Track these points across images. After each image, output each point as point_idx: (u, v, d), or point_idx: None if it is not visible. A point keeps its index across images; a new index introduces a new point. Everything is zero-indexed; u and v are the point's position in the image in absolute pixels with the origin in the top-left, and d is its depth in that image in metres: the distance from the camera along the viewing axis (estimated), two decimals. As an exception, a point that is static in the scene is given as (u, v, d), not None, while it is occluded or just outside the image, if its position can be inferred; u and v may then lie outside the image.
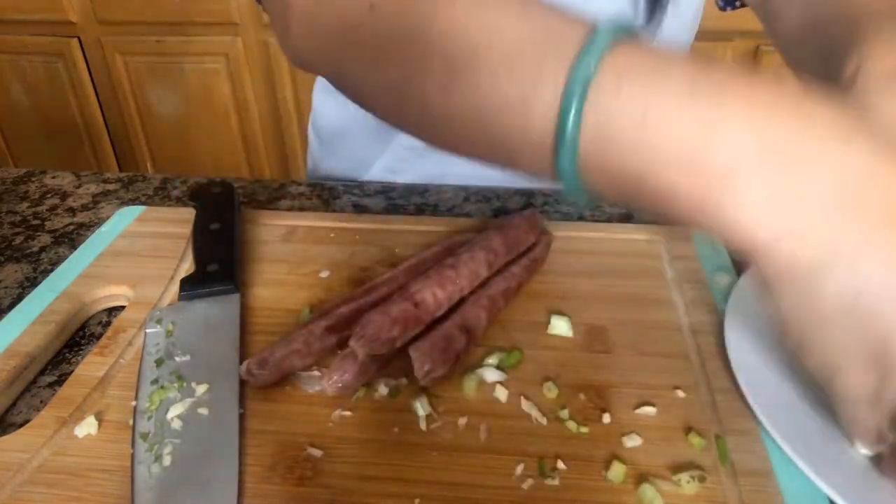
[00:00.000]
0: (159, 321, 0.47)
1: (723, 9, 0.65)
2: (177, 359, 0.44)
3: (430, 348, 0.42)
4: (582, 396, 0.42)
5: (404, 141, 0.70)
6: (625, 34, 0.27)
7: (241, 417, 0.41)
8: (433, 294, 0.45)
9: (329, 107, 0.78)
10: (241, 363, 0.44)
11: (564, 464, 0.38)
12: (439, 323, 0.45)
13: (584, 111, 0.26)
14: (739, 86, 0.26)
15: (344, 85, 0.36)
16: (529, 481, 0.37)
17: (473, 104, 0.28)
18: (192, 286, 0.50)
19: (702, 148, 0.25)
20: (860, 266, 0.25)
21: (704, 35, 0.72)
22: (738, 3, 0.63)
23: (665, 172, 0.26)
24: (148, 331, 0.47)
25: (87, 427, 0.40)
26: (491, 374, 0.43)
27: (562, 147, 0.27)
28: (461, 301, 0.47)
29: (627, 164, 0.26)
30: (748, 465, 0.38)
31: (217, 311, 0.48)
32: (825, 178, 0.24)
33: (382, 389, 0.43)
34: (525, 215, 0.54)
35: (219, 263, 0.51)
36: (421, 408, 0.41)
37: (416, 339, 0.43)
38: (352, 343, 0.41)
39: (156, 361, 0.44)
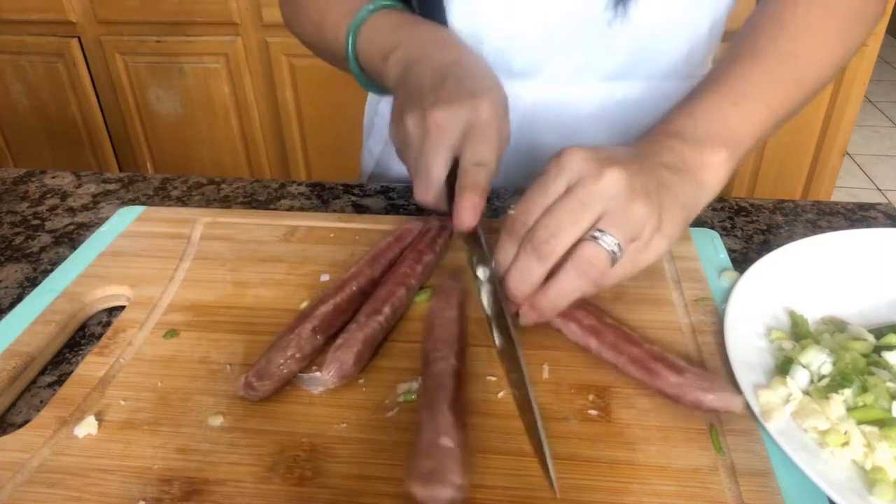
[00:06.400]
0: None
1: None
2: None
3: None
4: (582, 396, 0.42)
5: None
6: (383, 7, 0.58)
7: None
8: (391, 304, 0.47)
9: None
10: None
11: (564, 463, 0.38)
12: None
13: (356, 43, 0.58)
14: (410, 29, 0.56)
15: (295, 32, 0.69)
16: (529, 481, 0.37)
17: (323, 45, 0.64)
18: None
19: (382, 65, 0.55)
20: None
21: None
22: None
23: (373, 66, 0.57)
24: None
25: (87, 427, 0.40)
26: None
27: (349, 57, 0.59)
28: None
29: (372, 68, 0.57)
30: (748, 465, 0.38)
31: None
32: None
33: (386, 391, 0.43)
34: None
35: None
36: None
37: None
38: (322, 374, 0.42)
39: None
